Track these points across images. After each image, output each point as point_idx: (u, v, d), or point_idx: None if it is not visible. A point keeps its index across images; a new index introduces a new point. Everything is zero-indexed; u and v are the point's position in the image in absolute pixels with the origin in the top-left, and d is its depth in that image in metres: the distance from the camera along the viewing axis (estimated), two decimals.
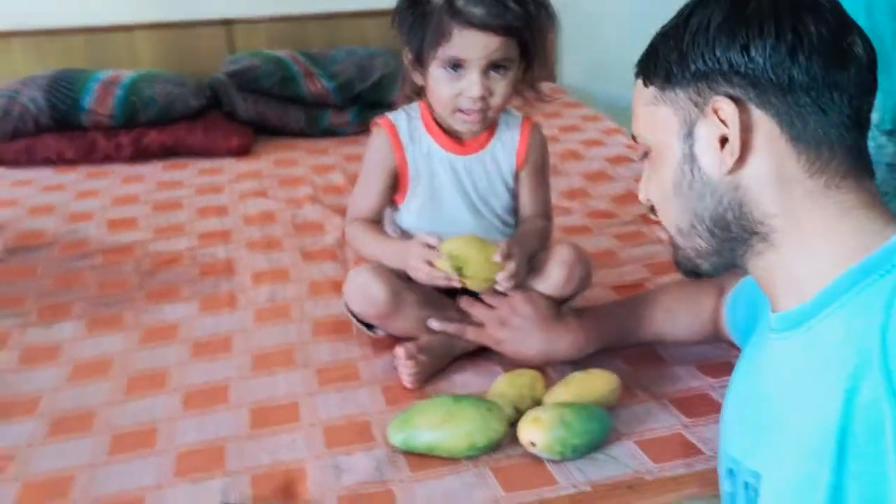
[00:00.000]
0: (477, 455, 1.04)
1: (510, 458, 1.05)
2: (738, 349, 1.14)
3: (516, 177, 1.31)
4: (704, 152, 0.74)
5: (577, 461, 1.04)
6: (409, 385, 1.20)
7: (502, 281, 1.20)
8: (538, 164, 1.32)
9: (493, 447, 1.05)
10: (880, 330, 0.64)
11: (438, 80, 1.20)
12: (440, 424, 1.05)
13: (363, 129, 2.52)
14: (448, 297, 1.29)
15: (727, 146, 0.72)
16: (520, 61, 1.22)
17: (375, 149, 1.32)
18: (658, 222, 0.84)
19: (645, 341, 1.24)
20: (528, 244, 1.27)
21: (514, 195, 1.33)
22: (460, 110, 1.22)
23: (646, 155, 0.82)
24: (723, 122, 0.72)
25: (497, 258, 1.18)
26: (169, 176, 2.24)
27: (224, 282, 1.59)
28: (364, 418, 1.15)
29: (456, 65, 1.18)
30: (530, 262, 1.26)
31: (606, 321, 1.24)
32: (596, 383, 1.13)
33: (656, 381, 1.20)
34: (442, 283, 1.20)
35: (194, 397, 1.21)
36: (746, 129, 0.72)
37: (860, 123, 0.73)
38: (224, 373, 1.27)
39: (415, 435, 1.05)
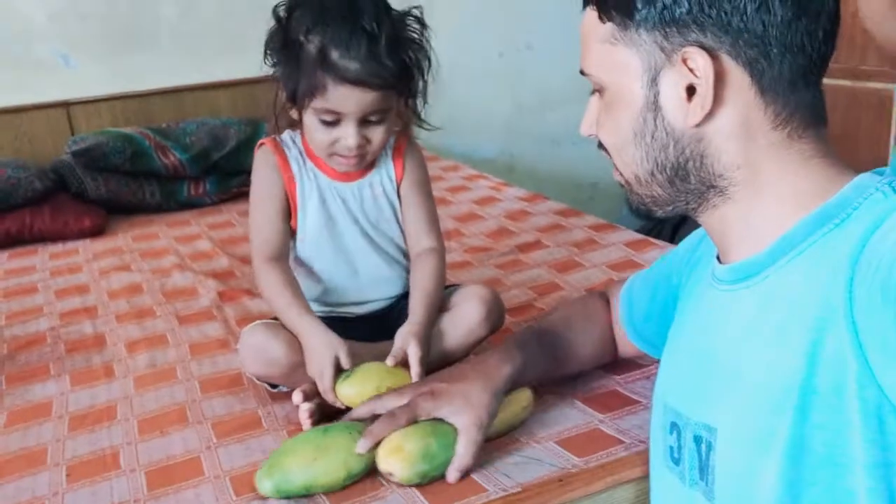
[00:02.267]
0: (355, 481, 0.99)
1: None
2: (640, 355, 1.16)
3: (399, 194, 1.28)
4: (670, 102, 0.71)
5: (501, 466, 1.01)
6: (306, 427, 1.11)
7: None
8: (417, 176, 1.28)
9: (371, 469, 1.00)
10: (846, 284, 0.63)
11: (313, 128, 1.17)
12: (312, 460, 0.98)
13: (224, 198, 2.47)
14: (359, 325, 1.26)
15: (696, 98, 0.70)
16: (399, 99, 1.19)
17: (261, 169, 1.24)
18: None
19: (561, 365, 1.15)
20: (430, 323, 1.19)
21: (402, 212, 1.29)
22: (337, 154, 1.19)
23: (597, 92, 0.78)
24: (691, 71, 0.69)
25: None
26: (17, 263, 2.09)
27: (96, 355, 1.48)
28: None
29: (332, 116, 1.14)
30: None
31: (521, 347, 1.10)
32: (511, 403, 1.07)
33: (564, 385, 1.20)
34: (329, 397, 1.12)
35: (80, 469, 1.10)
36: (718, 82, 0.69)
37: (822, 72, 0.72)
38: (110, 441, 1.17)
39: (287, 478, 0.97)
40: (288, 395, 1.20)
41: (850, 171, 0.72)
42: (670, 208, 0.77)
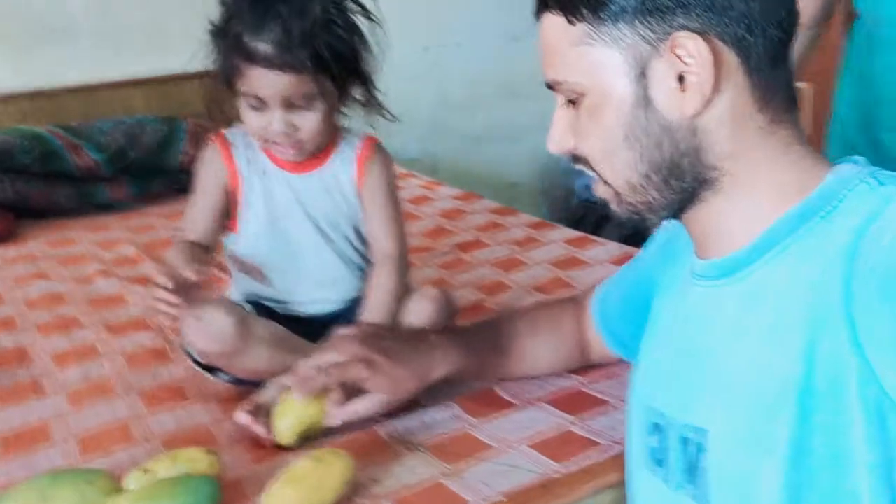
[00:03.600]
0: None
1: (407, 487, 0.97)
2: (612, 360, 1.15)
3: (360, 198, 1.25)
4: (661, 94, 0.68)
5: (477, 473, 0.98)
6: (270, 441, 1.07)
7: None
8: (380, 183, 1.24)
9: None
10: (843, 281, 0.62)
11: (244, 113, 1.15)
12: None
13: (146, 199, 2.35)
14: (300, 336, 1.20)
15: (691, 86, 0.67)
16: (334, 91, 1.16)
17: (205, 164, 1.23)
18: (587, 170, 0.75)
19: (511, 367, 1.15)
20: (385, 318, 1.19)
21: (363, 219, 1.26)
22: (271, 140, 1.16)
23: (572, 103, 0.73)
24: (680, 58, 0.66)
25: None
26: None
27: (21, 371, 1.36)
28: (234, 479, 1.01)
29: (255, 101, 1.12)
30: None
31: (470, 336, 1.15)
32: (330, 476, 0.93)
33: (526, 388, 1.17)
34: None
35: None
36: (715, 66, 0.66)
37: (790, 46, 0.70)
38: (48, 463, 1.07)
39: None
40: (242, 404, 1.14)
41: (824, 158, 0.72)
42: (665, 212, 0.74)
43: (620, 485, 0.95)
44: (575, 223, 2.92)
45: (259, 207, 1.21)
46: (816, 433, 0.63)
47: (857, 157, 0.72)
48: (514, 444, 1.04)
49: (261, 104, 1.12)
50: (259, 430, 1.07)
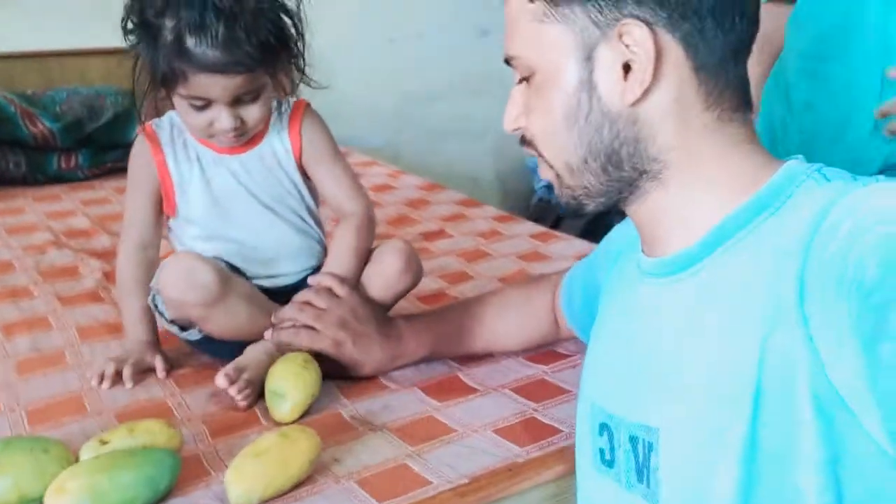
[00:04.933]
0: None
1: (370, 468, 0.96)
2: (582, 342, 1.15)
3: (302, 170, 1.22)
4: (605, 79, 0.68)
5: (442, 456, 0.97)
6: (243, 406, 1.07)
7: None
8: (320, 145, 1.22)
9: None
10: (796, 276, 0.61)
11: (185, 112, 1.11)
12: None
13: (98, 172, 2.29)
14: (272, 298, 1.20)
15: (633, 74, 0.67)
16: (274, 76, 1.13)
17: (134, 158, 1.21)
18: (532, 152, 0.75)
19: (478, 348, 1.19)
20: (349, 272, 1.19)
21: (309, 190, 1.24)
22: (215, 135, 1.13)
23: (525, 80, 0.73)
24: (627, 46, 0.67)
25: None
26: None
27: None
28: (193, 453, 0.99)
29: (200, 101, 1.08)
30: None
31: (437, 325, 1.19)
32: (296, 452, 0.91)
33: (490, 375, 1.17)
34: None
35: None
36: (657, 57, 0.66)
37: (748, 53, 0.71)
38: None
39: None
40: (196, 381, 1.15)
41: (775, 158, 0.72)
42: (602, 199, 0.73)
43: None
44: (534, 221, 2.94)
45: (197, 194, 1.18)
46: (767, 429, 0.62)
47: (800, 156, 0.72)
48: (478, 428, 1.04)
49: (205, 104, 1.08)
50: (234, 393, 1.06)
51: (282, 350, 1.12)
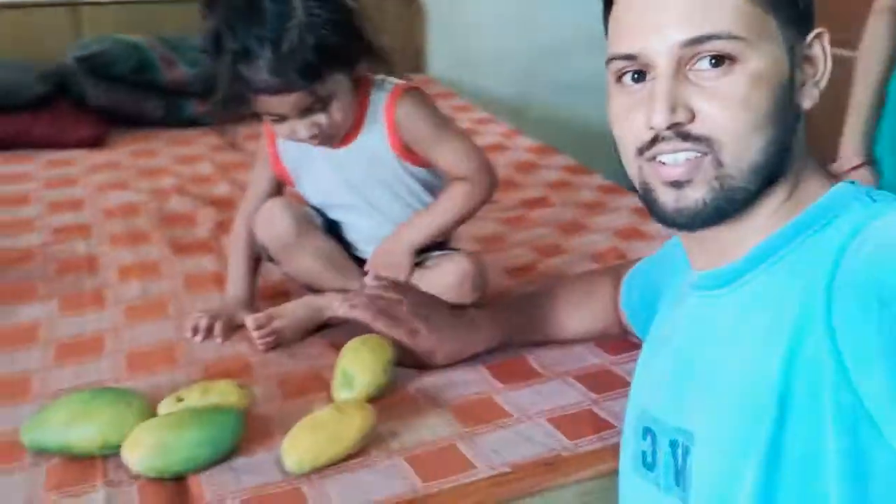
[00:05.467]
0: (114, 452, 0.95)
1: (421, 445, 1.00)
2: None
3: (406, 154, 1.25)
4: (802, 78, 0.69)
5: (492, 441, 1.00)
6: (262, 350, 1.19)
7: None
8: (420, 132, 1.23)
9: None
10: (825, 289, 0.63)
11: (269, 123, 1.18)
12: (71, 421, 0.95)
13: (230, 119, 2.40)
14: (351, 260, 1.30)
15: (815, 78, 0.70)
16: (346, 77, 1.16)
17: (261, 138, 1.31)
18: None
19: (547, 339, 1.20)
20: (420, 230, 1.26)
21: (423, 171, 1.28)
22: (303, 141, 1.18)
23: (720, 62, 0.65)
24: (822, 48, 0.70)
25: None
26: (10, 169, 2.04)
27: (87, 278, 1.45)
28: (262, 414, 1.06)
29: (271, 116, 1.14)
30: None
31: (508, 317, 1.20)
32: (349, 427, 0.96)
33: (558, 361, 1.18)
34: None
35: None
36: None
37: None
38: (97, 376, 1.15)
39: (44, 436, 0.96)
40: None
41: (826, 173, 0.73)
42: (739, 213, 0.69)
43: None
44: None
45: (308, 185, 1.29)
46: (791, 436, 0.64)
47: (855, 181, 0.73)
48: (532, 415, 1.06)
49: (279, 117, 1.14)
50: (256, 336, 1.19)
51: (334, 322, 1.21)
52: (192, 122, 2.36)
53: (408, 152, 1.24)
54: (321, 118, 1.15)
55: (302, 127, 1.14)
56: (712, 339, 0.73)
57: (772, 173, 0.68)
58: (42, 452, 0.97)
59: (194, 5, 2.67)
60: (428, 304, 1.16)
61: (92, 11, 2.51)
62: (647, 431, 0.78)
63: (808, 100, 0.69)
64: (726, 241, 0.72)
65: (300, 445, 0.95)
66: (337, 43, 1.10)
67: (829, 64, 0.69)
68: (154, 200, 1.82)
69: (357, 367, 1.08)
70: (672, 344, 0.79)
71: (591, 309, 1.17)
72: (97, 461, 0.96)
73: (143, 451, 0.92)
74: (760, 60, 0.65)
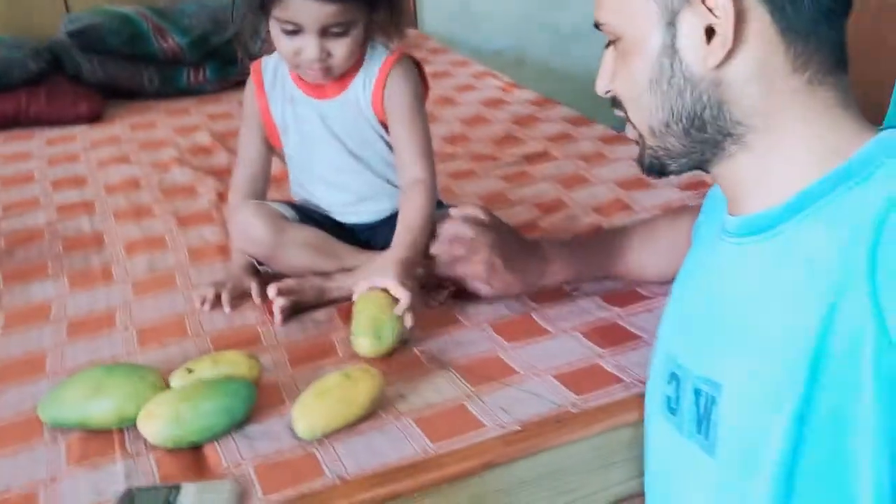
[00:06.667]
0: (131, 425, 0.97)
1: (430, 406, 1.02)
2: None
3: (382, 121, 1.25)
4: (688, 44, 0.69)
5: (500, 399, 1.01)
6: (278, 321, 1.19)
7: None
8: (402, 99, 1.23)
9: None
10: (869, 250, 0.62)
11: (277, 38, 1.17)
12: (88, 397, 0.98)
13: (224, 85, 2.40)
14: (339, 238, 1.28)
15: (715, 38, 0.68)
16: (368, 16, 1.17)
17: (246, 97, 1.31)
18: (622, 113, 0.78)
19: (620, 274, 1.20)
20: (411, 262, 1.18)
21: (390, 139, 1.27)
22: (301, 65, 1.18)
23: (612, 43, 0.76)
24: (710, 10, 0.67)
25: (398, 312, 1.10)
26: (12, 148, 2.05)
27: (94, 255, 1.46)
28: (272, 382, 1.08)
29: (292, 26, 1.13)
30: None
31: (583, 251, 1.21)
32: (357, 392, 0.98)
33: (564, 316, 1.19)
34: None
35: None
36: (738, 19, 0.67)
37: (847, 12, 0.70)
38: (110, 351, 1.17)
39: (62, 412, 0.98)
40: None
41: (870, 125, 0.71)
42: (685, 160, 0.76)
43: (636, 424, 0.97)
44: None
45: (291, 133, 1.27)
46: (825, 393, 0.64)
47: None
48: (540, 371, 1.07)
49: (296, 30, 1.13)
50: (278, 306, 1.19)
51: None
52: (187, 92, 2.36)
53: (384, 117, 1.25)
54: (336, 45, 1.15)
55: (314, 46, 1.14)
56: (744, 289, 0.73)
57: (687, 130, 0.72)
58: (60, 428, 0.99)
59: None
60: (504, 238, 1.17)
61: None
62: (673, 376, 0.79)
63: (713, 58, 0.68)
64: (750, 187, 0.73)
65: (310, 413, 0.97)
66: None
67: (728, 21, 0.67)
68: (155, 173, 1.82)
69: (387, 315, 1.09)
70: (701, 289, 0.80)
71: (672, 248, 1.12)
72: (114, 434, 0.98)
73: (160, 422, 0.94)
74: (627, 39, 0.73)
